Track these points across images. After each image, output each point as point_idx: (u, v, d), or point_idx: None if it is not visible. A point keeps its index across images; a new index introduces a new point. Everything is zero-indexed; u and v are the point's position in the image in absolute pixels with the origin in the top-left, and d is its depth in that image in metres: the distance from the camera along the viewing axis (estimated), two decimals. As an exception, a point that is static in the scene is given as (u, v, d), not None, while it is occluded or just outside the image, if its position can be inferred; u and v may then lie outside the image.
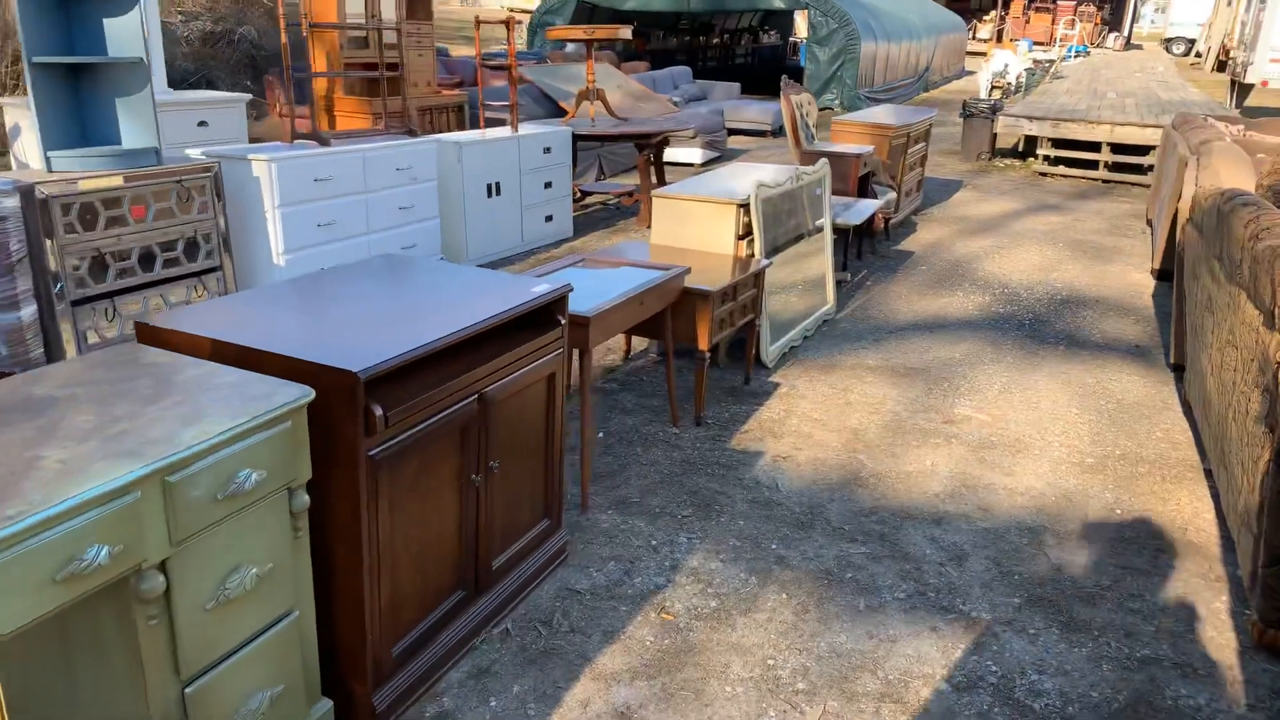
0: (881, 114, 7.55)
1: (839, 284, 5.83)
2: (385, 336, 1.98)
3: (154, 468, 1.39)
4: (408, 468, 1.99)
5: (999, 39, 30.78)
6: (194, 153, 4.65)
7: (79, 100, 4.04)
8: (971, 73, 23.01)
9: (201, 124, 6.17)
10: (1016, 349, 4.79)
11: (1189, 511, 3.19)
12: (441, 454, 2.10)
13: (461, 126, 8.41)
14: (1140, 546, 2.97)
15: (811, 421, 3.82)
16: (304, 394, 1.66)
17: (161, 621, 1.48)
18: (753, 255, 4.28)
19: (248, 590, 1.61)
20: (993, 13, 33.45)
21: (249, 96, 6.55)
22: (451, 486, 2.17)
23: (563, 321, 2.48)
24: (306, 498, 1.73)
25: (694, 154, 10.30)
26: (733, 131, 12.60)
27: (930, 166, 10.35)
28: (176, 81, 11.57)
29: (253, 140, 6.60)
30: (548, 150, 6.64)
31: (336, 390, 1.80)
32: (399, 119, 5.60)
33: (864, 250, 6.62)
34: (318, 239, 4.83)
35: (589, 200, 8.19)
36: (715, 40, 23.19)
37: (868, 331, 5.00)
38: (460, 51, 17.86)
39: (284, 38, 4.91)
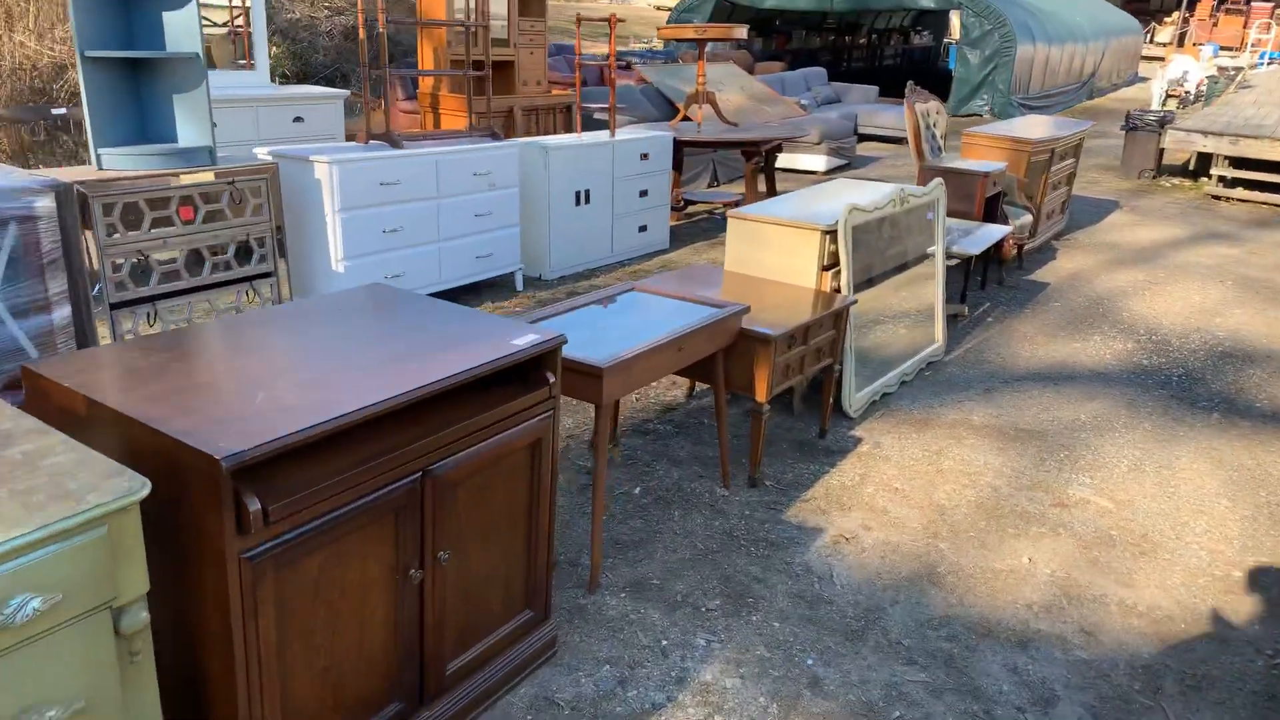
0: (1021, 126, 6.75)
1: (954, 319, 5.16)
2: (298, 403, 1.61)
3: None
4: (308, 566, 1.61)
5: (1180, 43, 28.28)
6: (261, 151, 4.49)
7: (138, 97, 3.92)
8: (1145, 79, 21.14)
9: (297, 120, 6.08)
10: (1158, 413, 4.03)
11: (1370, 661, 2.47)
12: (364, 546, 1.72)
13: (569, 127, 8.11)
14: (1296, 710, 2.29)
15: (890, 492, 3.25)
16: (129, 491, 1.30)
17: (-98, 784, 1.15)
18: (839, 290, 3.73)
19: (41, 737, 1.27)
20: (1175, 14, 30.80)
21: (346, 93, 6.44)
22: (381, 584, 1.78)
23: (552, 379, 2.05)
24: (143, 615, 1.37)
25: (818, 161, 9.68)
26: (867, 137, 11.86)
27: (1082, 184, 9.34)
28: (309, 76, 11.85)
29: (351, 137, 6.49)
30: (645, 156, 6.23)
31: (200, 476, 1.44)
32: (485, 120, 5.31)
33: (989, 280, 5.89)
34: (382, 245, 4.59)
35: (693, 209, 7.73)
36: (862, 40, 22.22)
37: (978, 379, 4.34)
38: (599, 49, 17.71)
39: (361, 33, 4.69)
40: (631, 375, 2.54)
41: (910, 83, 6.17)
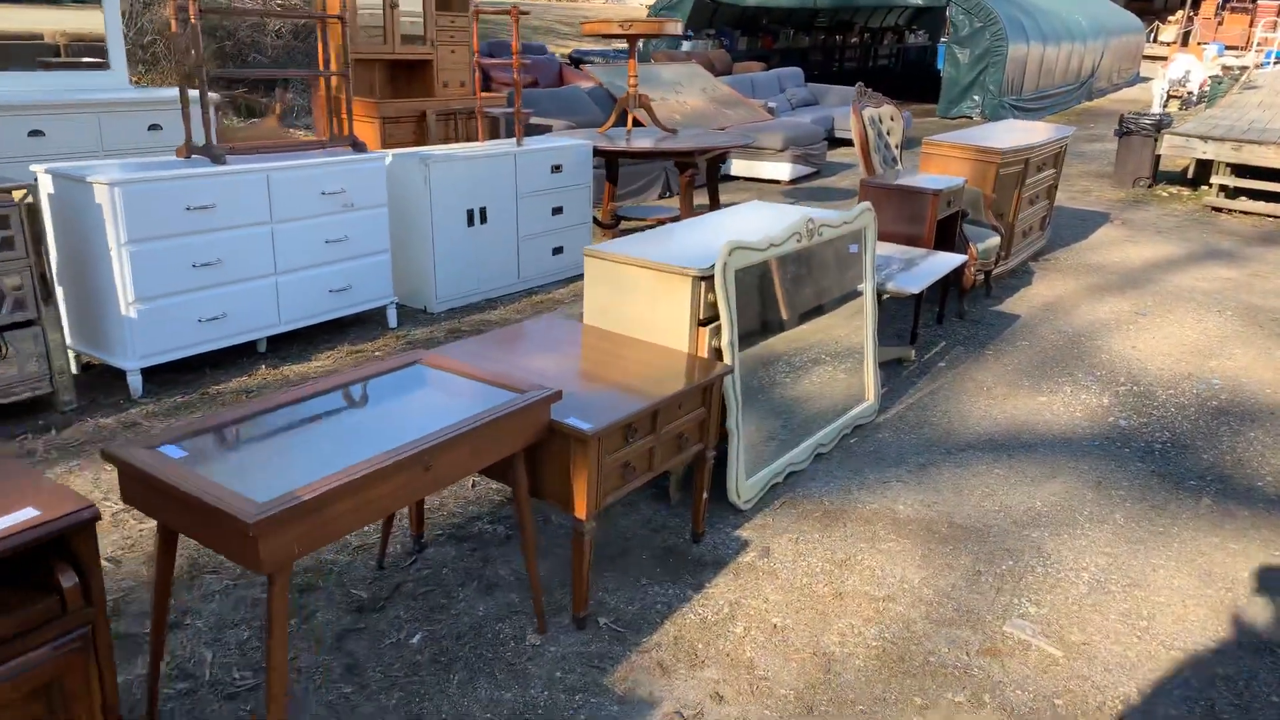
0: (992, 133, 5.92)
1: (899, 364, 4.33)
2: None
3: None
4: None
5: (1185, 42, 27.39)
6: (39, 169, 3.68)
7: None
8: (1147, 79, 20.26)
9: (154, 128, 5.28)
10: (1134, 498, 3.20)
11: None
12: None
13: (497, 134, 7.29)
14: None
15: (765, 632, 2.43)
16: None
17: None
18: (719, 351, 2.90)
19: None
20: (1180, 13, 29.90)
21: (215, 96, 5.62)
22: None
23: (66, 585, 1.23)
24: None
25: (781, 169, 8.85)
26: (844, 142, 11.00)
27: (1071, 194, 8.50)
28: (240, 80, 11.02)
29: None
30: (557, 169, 5.41)
31: None
32: (340, 127, 4.50)
33: (948, 312, 5.06)
34: (193, 283, 3.78)
35: (628, 224, 6.90)
36: (854, 40, 21.36)
37: (914, 449, 3.51)
38: (584, 45, 16.93)
39: (174, 26, 3.89)
40: (324, 522, 1.72)
41: (859, 84, 5.35)
